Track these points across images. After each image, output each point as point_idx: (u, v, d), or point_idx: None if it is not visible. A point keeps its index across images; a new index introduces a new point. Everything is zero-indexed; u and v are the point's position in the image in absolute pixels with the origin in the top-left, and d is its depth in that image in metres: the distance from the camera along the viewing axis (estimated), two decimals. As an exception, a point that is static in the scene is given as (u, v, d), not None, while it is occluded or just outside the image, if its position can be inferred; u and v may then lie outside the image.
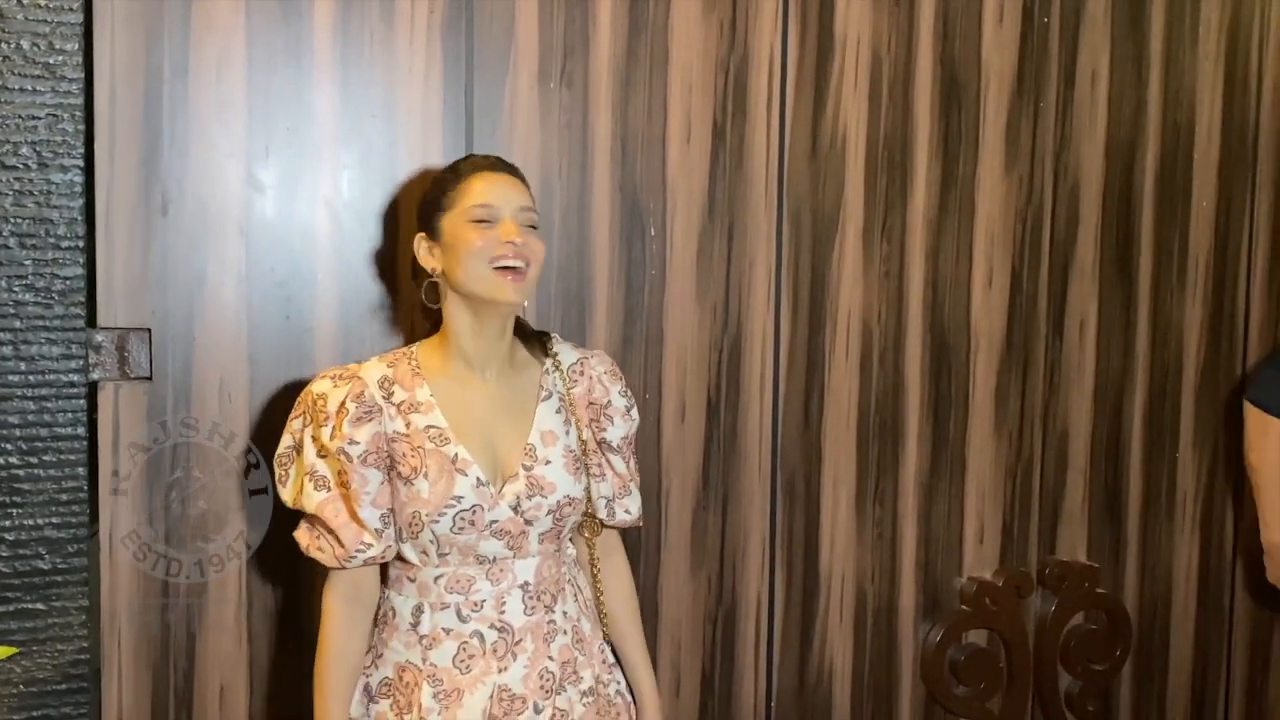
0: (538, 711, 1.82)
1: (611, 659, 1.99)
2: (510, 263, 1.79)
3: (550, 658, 1.84)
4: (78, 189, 1.94)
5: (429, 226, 1.87)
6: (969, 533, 2.63)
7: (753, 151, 2.39)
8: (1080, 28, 2.66)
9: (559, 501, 1.85)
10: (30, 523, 1.94)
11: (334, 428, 1.79)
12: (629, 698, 2.00)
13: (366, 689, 1.86)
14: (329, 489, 1.81)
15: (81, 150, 1.94)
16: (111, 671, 2.03)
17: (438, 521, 1.78)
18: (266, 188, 2.07)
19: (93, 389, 1.99)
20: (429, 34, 2.15)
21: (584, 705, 1.88)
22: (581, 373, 1.94)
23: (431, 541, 1.79)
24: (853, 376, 2.50)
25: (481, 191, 1.82)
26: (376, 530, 1.80)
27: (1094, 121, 2.69)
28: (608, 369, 1.97)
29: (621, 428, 1.95)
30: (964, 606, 2.61)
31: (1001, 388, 2.63)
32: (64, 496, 1.95)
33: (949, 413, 2.59)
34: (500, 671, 1.81)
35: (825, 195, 2.45)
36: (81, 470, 1.96)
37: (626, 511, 1.98)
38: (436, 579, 1.82)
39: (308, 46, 2.09)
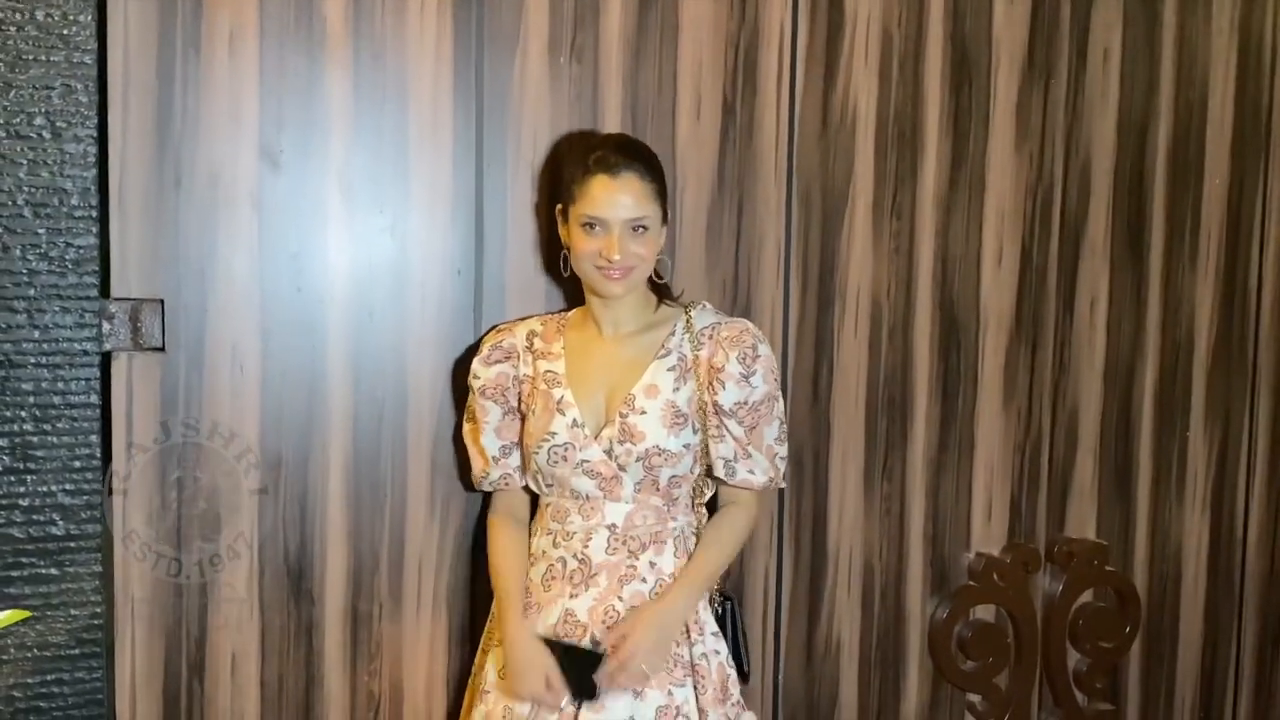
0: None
1: (713, 628, 2.04)
2: (611, 272, 1.98)
3: (620, 598, 1.97)
4: (91, 159, 1.96)
5: (563, 204, 2.05)
6: (977, 509, 2.63)
7: (763, 127, 2.39)
8: (1092, 2, 2.65)
9: (647, 450, 1.97)
10: (44, 489, 1.96)
11: (472, 368, 2.10)
12: (729, 669, 2.04)
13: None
14: (468, 419, 2.13)
15: (95, 120, 1.96)
16: (124, 637, 2.06)
17: (537, 453, 2.01)
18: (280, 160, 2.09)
19: (106, 359, 2.01)
20: (440, 7, 2.16)
21: None
22: (710, 336, 2.04)
23: (538, 472, 2.04)
24: (861, 352, 2.50)
25: (594, 201, 1.96)
26: (493, 458, 2.09)
27: (1105, 98, 2.67)
28: (734, 335, 2.04)
29: (734, 394, 2.02)
30: (971, 582, 2.62)
31: (1011, 364, 2.63)
32: (77, 464, 1.97)
33: (958, 389, 2.59)
34: (571, 597, 1.98)
35: (835, 171, 2.45)
36: (95, 438, 1.99)
37: (750, 473, 2.07)
38: (546, 507, 2.07)
39: (320, 19, 2.10)
